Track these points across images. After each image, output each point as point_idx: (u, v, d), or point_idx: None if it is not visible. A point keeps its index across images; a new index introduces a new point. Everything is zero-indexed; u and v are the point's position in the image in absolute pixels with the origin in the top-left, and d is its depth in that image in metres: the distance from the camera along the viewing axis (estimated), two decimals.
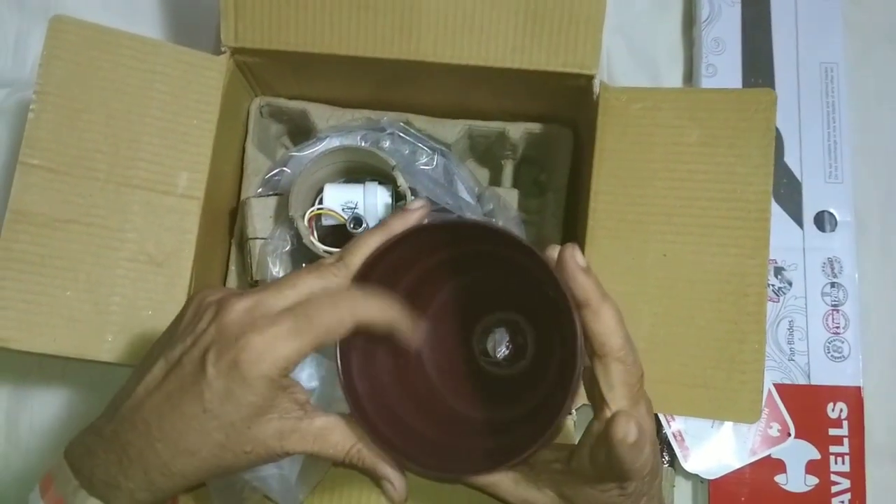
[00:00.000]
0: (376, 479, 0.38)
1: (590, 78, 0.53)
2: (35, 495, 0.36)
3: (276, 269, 0.57)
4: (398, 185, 0.55)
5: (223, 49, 0.54)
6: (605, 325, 0.36)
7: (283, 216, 0.58)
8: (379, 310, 0.37)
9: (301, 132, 0.65)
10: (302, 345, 0.34)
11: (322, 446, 0.37)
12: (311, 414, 0.37)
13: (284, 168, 0.61)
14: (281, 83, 0.61)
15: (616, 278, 0.49)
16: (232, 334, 0.34)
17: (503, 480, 0.39)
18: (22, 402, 0.65)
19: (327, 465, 0.44)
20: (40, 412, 0.65)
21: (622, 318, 0.37)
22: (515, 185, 0.63)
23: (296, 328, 0.34)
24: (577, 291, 0.36)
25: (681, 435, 0.62)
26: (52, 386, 0.66)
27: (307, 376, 0.46)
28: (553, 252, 0.37)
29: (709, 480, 0.61)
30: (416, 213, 0.40)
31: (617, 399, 0.36)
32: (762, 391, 0.48)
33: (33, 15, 0.72)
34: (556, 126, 0.61)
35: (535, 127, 0.61)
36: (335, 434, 0.37)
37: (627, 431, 0.34)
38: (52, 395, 0.66)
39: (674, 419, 0.62)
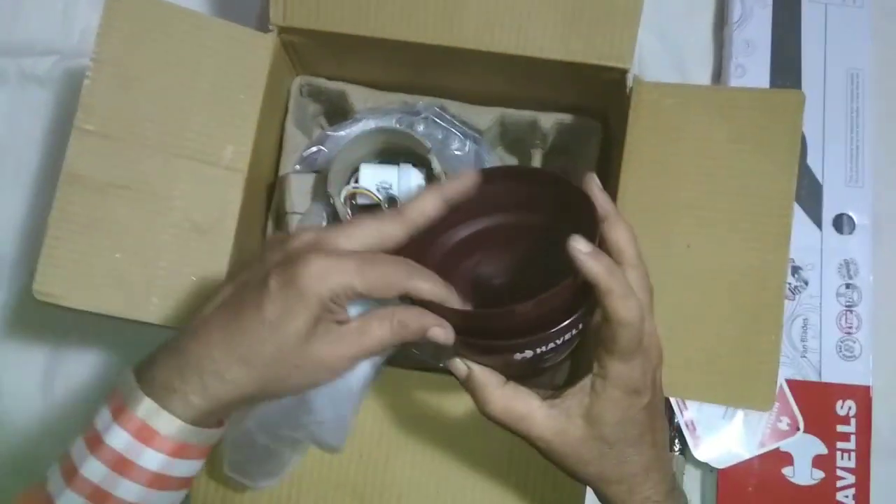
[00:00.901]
0: (424, 332, 0.39)
1: (624, 72, 0.55)
2: (102, 405, 0.39)
3: None
4: (433, 167, 0.57)
5: (270, 27, 0.56)
6: (621, 234, 0.40)
7: (320, 193, 0.60)
8: (430, 290, 0.39)
9: (337, 112, 0.67)
10: (357, 283, 0.37)
11: (367, 341, 0.39)
12: (349, 321, 0.39)
13: (322, 147, 0.63)
14: (322, 63, 0.63)
15: None
16: (297, 254, 0.37)
17: (535, 413, 0.40)
18: (59, 362, 0.68)
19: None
20: (76, 372, 0.68)
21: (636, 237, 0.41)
22: None
23: (358, 268, 0.37)
24: (598, 207, 0.40)
25: (692, 424, 0.64)
26: (89, 347, 0.68)
27: None
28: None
29: (717, 469, 0.64)
30: (467, 180, 0.42)
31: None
32: (776, 381, 0.50)
33: None
34: (586, 118, 0.63)
35: (566, 117, 0.63)
36: (373, 324, 0.39)
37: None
38: (89, 356, 0.68)
39: (686, 408, 0.64)
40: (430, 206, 0.40)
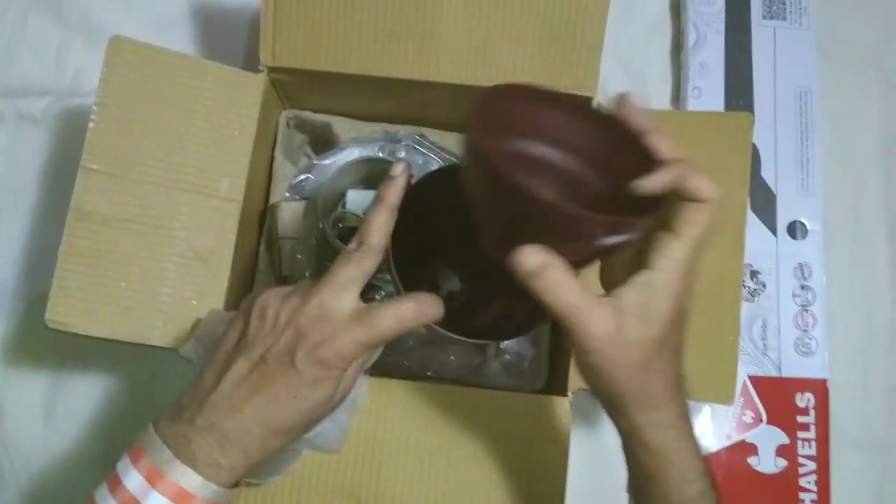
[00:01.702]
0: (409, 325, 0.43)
1: (589, 99, 0.60)
2: (124, 463, 0.42)
3: (305, 266, 0.63)
4: None
5: (261, 68, 0.60)
6: (667, 143, 0.42)
7: (309, 218, 0.64)
8: (423, 313, 0.44)
9: (322, 142, 0.71)
10: (368, 343, 0.42)
11: (376, 333, 0.42)
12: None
13: (309, 174, 0.68)
14: (308, 98, 0.67)
15: None
16: (313, 336, 0.42)
17: (593, 307, 0.39)
18: (60, 388, 0.71)
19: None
20: (77, 396, 0.71)
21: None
22: None
23: (367, 334, 0.42)
24: (641, 122, 0.42)
25: None
26: (90, 372, 0.71)
27: None
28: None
29: None
30: (401, 178, 0.46)
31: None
32: (736, 377, 0.54)
33: (74, 28, 0.77)
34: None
35: None
36: (378, 317, 0.43)
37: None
38: (90, 381, 0.71)
39: None
40: (384, 223, 0.44)
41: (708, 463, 0.43)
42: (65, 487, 0.69)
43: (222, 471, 0.41)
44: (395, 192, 0.45)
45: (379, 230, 0.44)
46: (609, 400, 0.42)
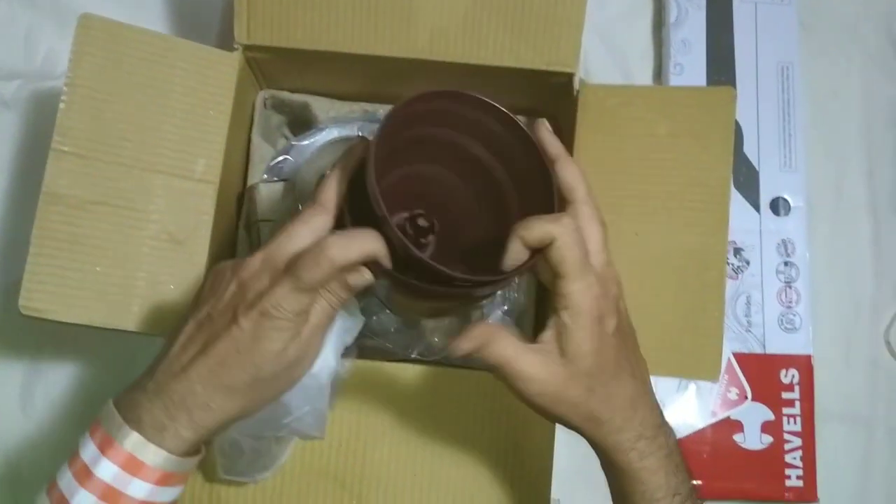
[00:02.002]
0: (362, 283, 0.42)
1: (570, 75, 0.59)
2: (84, 437, 0.42)
3: None
4: None
5: (236, 46, 0.59)
6: (572, 173, 0.44)
7: (288, 200, 0.63)
8: (359, 249, 0.41)
9: (300, 122, 0.70)
10: (304, 287, 0.40)
11: (319, 319, 0.42)
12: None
13: (287, 156, 0.66)
14: (284, 77, 0.66)
15: None
16: (254, 287, 0.41)
17: (522, 356, 0.41)
18: (37, 376, 0.70)
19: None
20: (55, 385, 0.70)
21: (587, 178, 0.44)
22: None
23: (296, 283, 0.40)
24: (549, 149, 0.44)
25: None
26: (66, 360, 0.70)
27: None
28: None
29: None
30: (358, 148, 0.45)
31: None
32: (721, 353, 0.54)
33: (43, 10, 0.76)
34: (537, 119, 0.67)
35: (518, 120, 0.67)
36: (317, 310, 0.42)
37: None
38: (66, 368, 0.70)
39: None
40: (336, 185, 0.44)
41: (686, 477, 0.45)
42: (43, 475, 0.67)
43: (167, 434, 0.40)
44: (351, 158, 0.45)
45: (330, 190, 0.44)
46: (572, 428, 0.44)
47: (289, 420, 0.46)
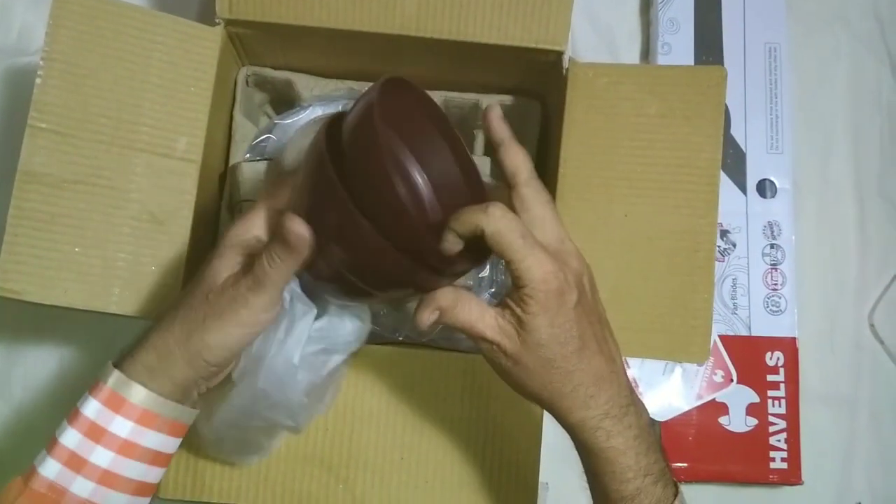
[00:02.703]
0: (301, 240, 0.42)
1: (559, 54, 0.58)
2: (85, 397, 0.43)
3: None
4: None
5: (217, 20, 0.57)
6: (516, 156, 0.44)
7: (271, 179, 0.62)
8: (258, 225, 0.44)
9: (283, 101, 0.68)
10: (230, 246, 0.44)
11: (270, 278, 0.42)
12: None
13: (270, 135, 0.65)
14: (267, 54, 0.64)
15: (583, 236, 0.54)
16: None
17: (488, 319, 0.43)
18: (15, 360, 0.69)
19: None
20: (33, 369, 0.68)
21: (532, 163, 0.44)
22: (487, 153, 0.68)
23: (261, 217, 0.44)
24: (494, 134, 0.44)
25: (635, 381, 0.68)
26: (45, 343, 0.69)
27: None
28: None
29: (660, 422, 0.68)
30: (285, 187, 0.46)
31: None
32: (710, 336, 0.54)
33: None
34: (526, 98, 0.66)
35: (506, 99, 0.66)
36: (269, 272, 0.42)
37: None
38: (45, 353, 0.69)
39: (629, 366, 0.68)
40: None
41: (659, 457, 0.44)
42: (23, 461, 0.66)
43: (156, 373, 0.43)
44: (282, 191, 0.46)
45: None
46: (541, 405, 0.44)
47: (264, 406, 0.46)
